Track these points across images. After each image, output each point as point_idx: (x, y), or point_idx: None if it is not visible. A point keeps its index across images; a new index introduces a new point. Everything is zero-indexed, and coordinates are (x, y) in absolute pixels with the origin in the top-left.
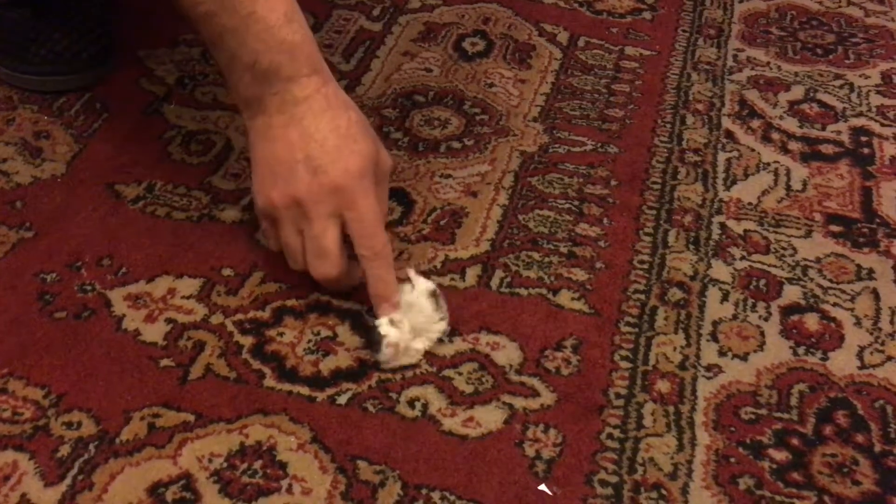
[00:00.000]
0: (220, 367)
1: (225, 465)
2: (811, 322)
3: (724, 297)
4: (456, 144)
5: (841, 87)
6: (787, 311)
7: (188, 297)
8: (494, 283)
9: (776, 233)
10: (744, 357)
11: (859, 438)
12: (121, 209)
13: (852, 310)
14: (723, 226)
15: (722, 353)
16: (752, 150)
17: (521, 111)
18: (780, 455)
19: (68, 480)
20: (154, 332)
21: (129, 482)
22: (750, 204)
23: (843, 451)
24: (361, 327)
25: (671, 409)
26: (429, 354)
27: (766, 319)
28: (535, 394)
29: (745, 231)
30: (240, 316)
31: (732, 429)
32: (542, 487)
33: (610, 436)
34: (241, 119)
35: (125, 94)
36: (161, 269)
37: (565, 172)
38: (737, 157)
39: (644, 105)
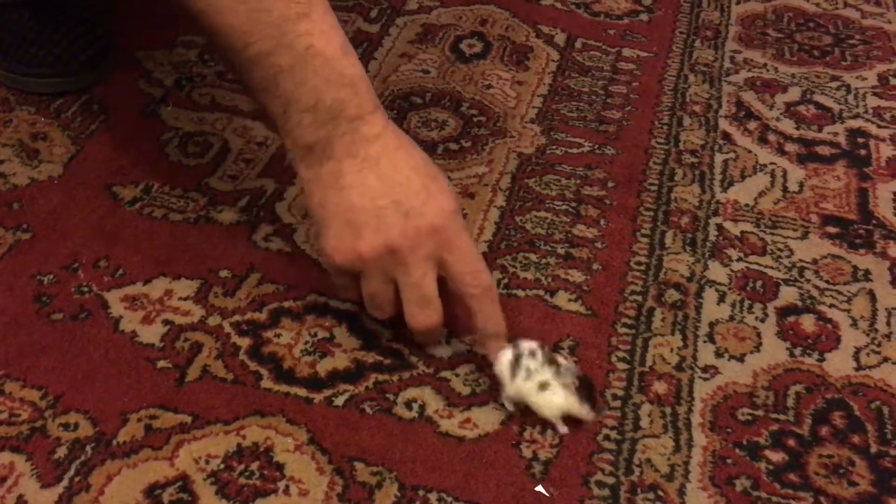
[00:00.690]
0: (218, 369)
1: (222, 466)
2: (808, 323)
3: (721, 299)
4: (453, 146)
5: (838, 88)
6: (784, 312)
7: (185, 299)
8: None
9: (773, 234)
10: (740, 358)
11: (856, 439)
12: (118, 211)
13: (849, 311)
14: (720, 227)
15: (719, 355)
16: (749, 151)
17: (519, 113)
18: (777, 456)
19: (65, 482)
20: (151, 334)
21: (126, 484)
22: (747, 205)
23: (840, 452)
24: (359, 328)
25: (668, 410)
26: (425, 356)
27: (762, 321)
28: None
29: (741, 232)
30: (237, 317)
31: (729, 430)
32: (540, 489)
33: (607, 437)
34: (238, 120)
35: (123, 95)
36: (158, 271)
37: (562, 174)
38: (733, 158)
39: (641, 107)
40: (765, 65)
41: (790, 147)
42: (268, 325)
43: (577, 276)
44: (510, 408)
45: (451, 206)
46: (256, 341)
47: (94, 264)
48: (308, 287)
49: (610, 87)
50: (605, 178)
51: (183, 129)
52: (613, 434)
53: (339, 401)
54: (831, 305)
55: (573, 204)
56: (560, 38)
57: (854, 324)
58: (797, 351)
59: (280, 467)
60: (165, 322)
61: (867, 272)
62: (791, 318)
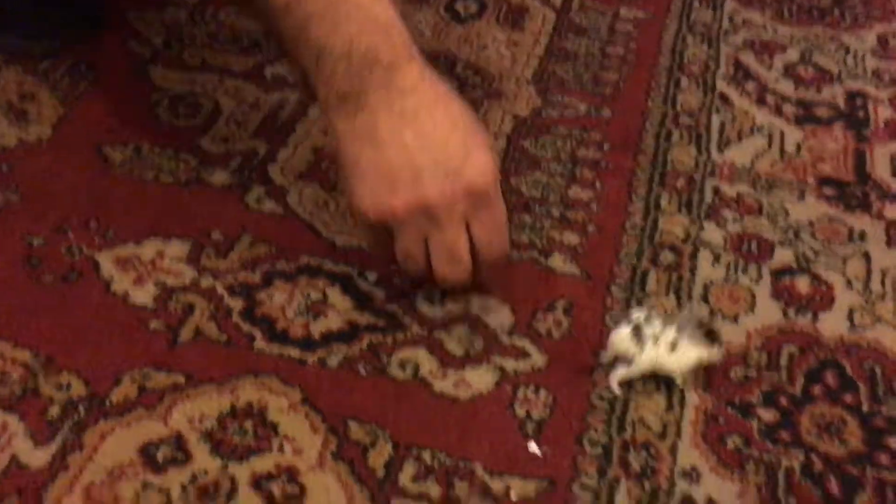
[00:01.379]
0: (211, 330)
1: (216, 425)
2: (802, 284)
3: (716, 260)
4: None
5: (837, 49)
6: (779, 273)
7: (177, 260)
8: None
9: (769, 195)
10: (734, 319)
11: (848, 398)
12: (108, 172)
13: (843, 272)
14: (716, 189)
15: (712, 315)
16: (747, 112)
17: (514, 74)
18: (769, 414)
19: (58, 441)
20: (143, 295)
21: (120, 443)
22: (743, 167)
23: (832, 410)
24: (352, 289)
25: None
26: (420, 316)
27: (756, 282)
28: (526, 355)
29: (737, 194)
30: (230, 278)
31: (721, 389)
32: (533, 447)
33: (600, 396)
34: (230, 81)
35: (112, 56)
36: (149, 232)
37: (558, 136)
38: (731, 119)
39: (638, 68)
40: (764, 25)
41: (788, 108)
42: (261, 286)
43: (571, 238)
44: (616, 390)
45: (489, 165)
46: (249, 302)
47: (85, 226)
48: (301, 249)
49: (606, 49)
50: (600, 139)
51: (173, 90)
52: (606, 393)
53: (333, 361)
54: (826, 267)
55: (568, 166)
56: None
57: (849, 284)
58: (791, 311)
59: (274, 426)
60: (157, 283)
61: (863, 233)
62: (786, 279)
